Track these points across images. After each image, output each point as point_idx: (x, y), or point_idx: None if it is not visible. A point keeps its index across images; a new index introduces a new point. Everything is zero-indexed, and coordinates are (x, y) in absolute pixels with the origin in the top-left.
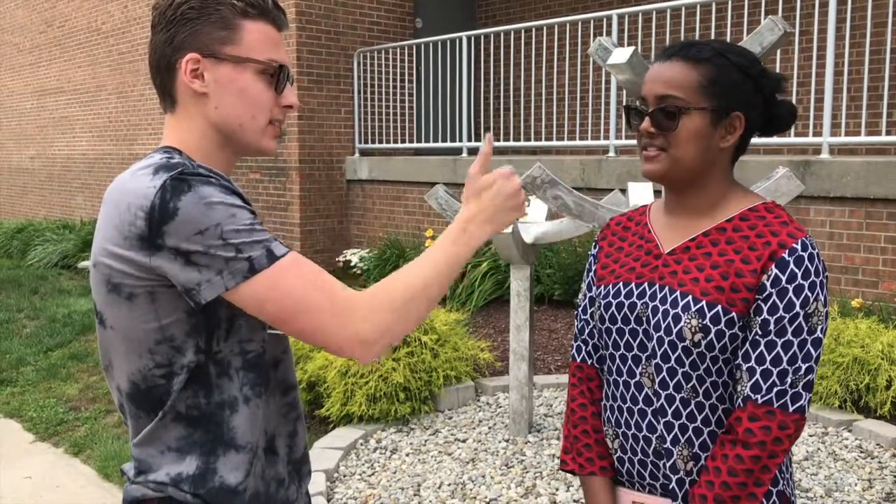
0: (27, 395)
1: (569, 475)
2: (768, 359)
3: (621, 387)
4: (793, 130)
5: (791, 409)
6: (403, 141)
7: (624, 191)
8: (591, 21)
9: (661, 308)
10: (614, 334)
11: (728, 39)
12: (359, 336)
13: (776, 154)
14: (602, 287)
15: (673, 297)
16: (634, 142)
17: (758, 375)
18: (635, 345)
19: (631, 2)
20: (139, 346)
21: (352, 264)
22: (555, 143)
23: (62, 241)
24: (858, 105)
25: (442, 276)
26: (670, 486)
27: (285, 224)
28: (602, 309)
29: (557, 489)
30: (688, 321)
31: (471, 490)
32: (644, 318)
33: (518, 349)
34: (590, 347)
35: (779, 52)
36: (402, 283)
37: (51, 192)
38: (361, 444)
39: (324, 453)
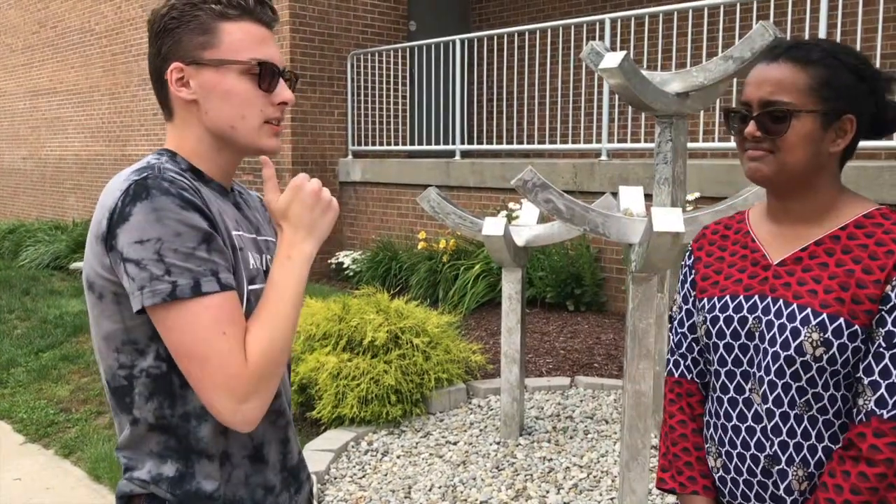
0: (18, 397)
1: (559, 478)
2: (894, 372)
3: (726, 404)
4: None
5: None
6: (396, 143)
7: (616, 194)
8: (584, 25)
9: (777, 322)
10: (721, 349)
11: (720, 44)
12: (241, 414)
13: None
14: (705, 300)
15: (789, 310)
16: (626, 146)
17: (883, 390)
18: (745, 360)
19: (624, 6)
20: (109, 345)
21: (344, 266)
22: (547, 146)
23: (54, 241)
24: None
25: (293, 314)
26: None
27: None
28: (708, 323)
29: (548, 492)
30: (808, 335)
31: (461, 493)
32: (756, 333)
33: (509, 352)
34: (689, 362)
35: None
36: (272, 351)
37: (43, 192)
38: (352, 447)
39: (315, 455)
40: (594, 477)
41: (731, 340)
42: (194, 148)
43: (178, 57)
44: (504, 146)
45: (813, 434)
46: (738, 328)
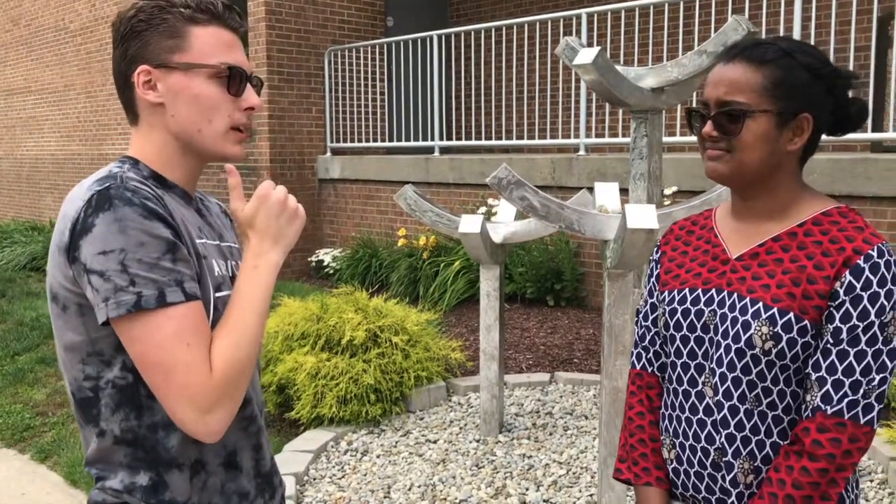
0: None
1: (538, 475)
2: (840, 368)
3: (681, 396)
4: None
5: (862, 420)
6: (375, 140)
7: (592, 189)
8: (561, 20)
9: (730, 315)
10: (678, 341)
11: (695, 38)
12: (204, 425)
13: None
14: (666, 293)
15: (742, 303)
16: (604, 140)
17: (829, 385)
18: (700, 353)
19: (601, 1)
20: (74, 356)
21: (324, 264)
22: (526, 141)
23: (31, 242)
24: None
25: (260, 324)
26: (729, 501)
27: None
28: (667, 315)
29: (527, 489)
30: (758, 328)
31: (441, 491)
32: (711, 326)
33: (488, 349)
34: (650, 355)
35: None
36: (238, 361)
37: (19, 193)
38: (332, 447)
39: (293, 456)
40: (574, 473)
41: (687, 332)
42: (159, 153)
43: (145, 60)
44: (483, 142)
45: (762, 429)
46: (695, 320)
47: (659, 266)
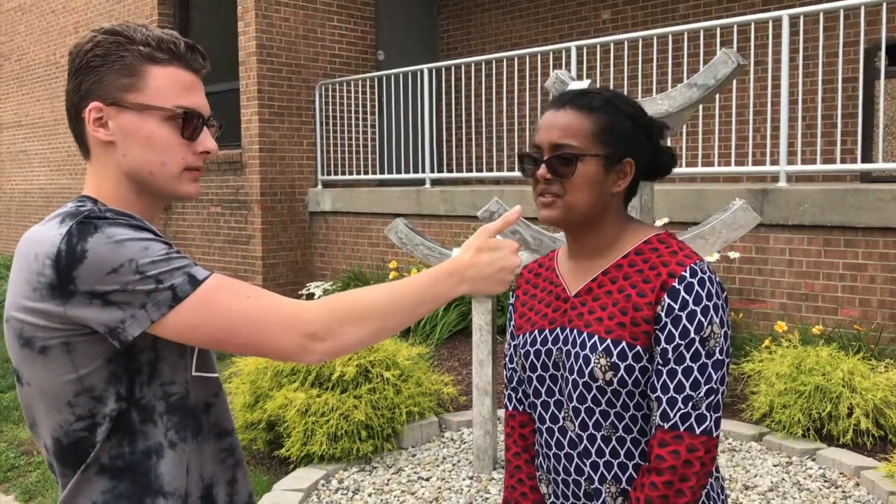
0: None
1: None
2: (671, 386)
3: (545, 433)
4: (750, 159)
5: (697, 430)
6: (366, 172)
7: None
8: (551, 53)
9: (573, 351)
10: (535, 382)
11: (685, 70)
12: (301, 339)
13: (735, 182)
14: (521, 336)
15: (581, 338)
16: None
17: (664, 403)
18: (556, 390)
19: (590, 34)
20: (57, 400)
21: (315, 297)
22: (517, 173)
23: None
24: (813, 133)
25: (409, 309)
26: None
27: (247, 258)
28: (522, 358)
29: None
30: (597, 361)
31: None
32: (560, 363)
33: (481, 384)
34: (520, 395)
35: (735, 81)
36: (369, 299)
37: (8, 227)
38: (323, 485)
39: (284, 496)
40: None
41: (542, 372)
42: (113, 191)
43: (98, 96)
44: (474, 174)
45: (622, 452)
46: (546, 360)
47: (514, 311)
